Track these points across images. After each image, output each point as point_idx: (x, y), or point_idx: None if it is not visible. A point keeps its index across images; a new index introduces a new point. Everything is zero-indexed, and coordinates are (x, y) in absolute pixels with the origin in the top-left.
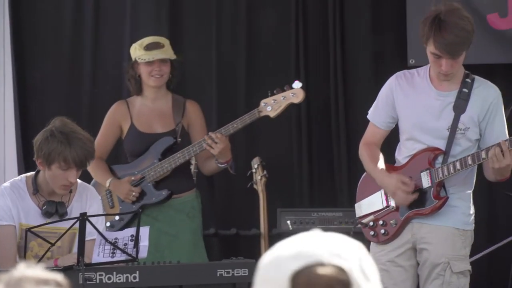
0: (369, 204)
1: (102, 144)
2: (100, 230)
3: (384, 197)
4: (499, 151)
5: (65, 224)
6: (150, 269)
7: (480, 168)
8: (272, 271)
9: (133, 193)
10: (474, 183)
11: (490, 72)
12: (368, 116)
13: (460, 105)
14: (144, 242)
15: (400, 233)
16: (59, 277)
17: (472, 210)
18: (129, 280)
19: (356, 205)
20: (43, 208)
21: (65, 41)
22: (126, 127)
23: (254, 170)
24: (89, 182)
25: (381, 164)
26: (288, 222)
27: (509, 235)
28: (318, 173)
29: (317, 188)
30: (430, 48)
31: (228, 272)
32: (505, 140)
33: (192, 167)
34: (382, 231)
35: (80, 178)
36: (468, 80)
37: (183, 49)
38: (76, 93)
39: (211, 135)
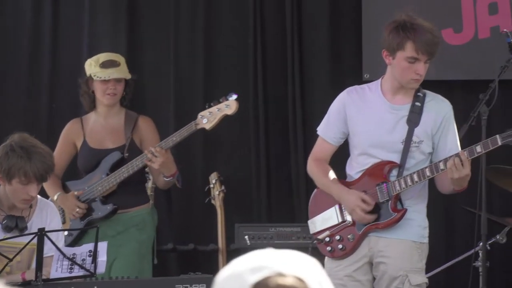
0: (324, 220)
1: (57, 162)
2: (60, 246)
3: (339, 212)
4: (458, 161)
5: (25, 239)
6: (108, 284)
7: (432, 182)
8: (231, 284)
9: (77, 209)
10: (427, 196)
11: (448, 88)
12: (318, 132)
13: (414, 119)
14: (102, 257)
15: (358, 248)
16: None
17: (426, 223)
18: None
19: (309, 221)
20: (3, 222)
21: (23, 55)
22: (79, 144)
23: (212, 186)
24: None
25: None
26: (246, 237)
27: (466, 250)
28: (276, 188)
29: (275, 203)
30: (407, 53)
31: (186, 287)
32: (464, 151)
33: (149, 183)
34: (340, 246)
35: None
36: (420, 94)
37: (141, 62)
38: (34, 108)
39: (151, 149)
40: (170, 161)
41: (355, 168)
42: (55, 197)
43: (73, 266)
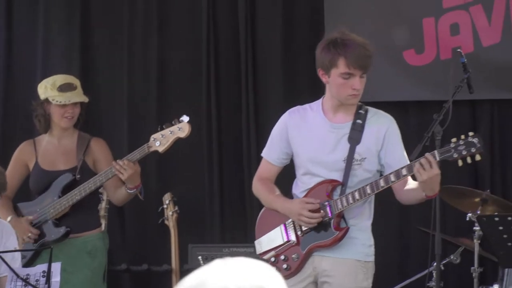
0: (269, 240)
1: (9, 183)
2: (17, 265)
3: (284, 232)
4: (425, 161)
5: None
6: None
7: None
8: None
9: (29, 234)
10: (372, 214)
11: (403, 109)
12: (262, 154)
13: (355, 136)
14: (55, 278)
15: (302, 267)
16: None
17: (372, 241)
18: None
19: (256, 242)
20: None
21: None
22: (31, 165)
23: (165, 206)
24: None
25: None
26: (200, 257)
27: (420, 270)
28: (230, 209)
29: (228, 224)
30: (340, 69)
31: None
32: (430, 153)
33: (103, 204)
34: (284, 266)
35: None
36: (362, 111)
37: (95, 83)
38: None
39: (118, 162)
40: (138, 173)
41: (300, 187)
42: (8, 220)
43: (27, 287)
